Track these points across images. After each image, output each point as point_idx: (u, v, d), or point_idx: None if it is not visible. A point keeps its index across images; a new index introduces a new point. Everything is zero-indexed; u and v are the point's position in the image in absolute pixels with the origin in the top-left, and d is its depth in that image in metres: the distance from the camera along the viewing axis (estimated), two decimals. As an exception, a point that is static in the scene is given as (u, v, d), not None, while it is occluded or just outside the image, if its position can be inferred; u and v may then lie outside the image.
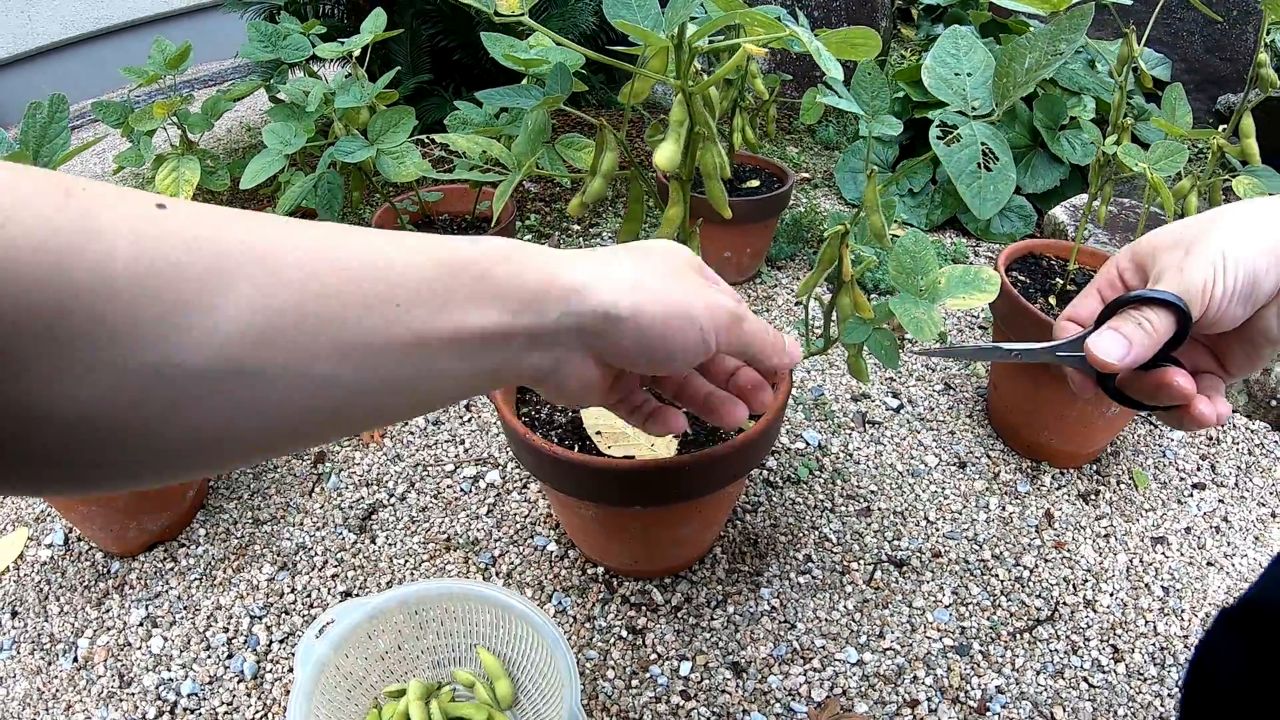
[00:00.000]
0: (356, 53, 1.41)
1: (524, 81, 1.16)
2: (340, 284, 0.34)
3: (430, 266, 0.37)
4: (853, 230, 0.89)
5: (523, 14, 0.78)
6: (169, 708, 1.00)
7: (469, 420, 1.41)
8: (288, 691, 1.01)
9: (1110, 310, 0.52)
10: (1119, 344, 0.49)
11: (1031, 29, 2.04)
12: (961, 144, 0.77)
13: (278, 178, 1.53)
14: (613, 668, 1.02)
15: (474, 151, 0.97)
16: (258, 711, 0.99)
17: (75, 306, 0.27)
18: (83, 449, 0.29)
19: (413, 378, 0.36)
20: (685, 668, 1.02)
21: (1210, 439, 1.44)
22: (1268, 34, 1.24)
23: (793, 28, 0.79)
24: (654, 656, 1.04)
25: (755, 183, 1.71)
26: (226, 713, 0.99)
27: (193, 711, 1.00)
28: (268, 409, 0.32)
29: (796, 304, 1.72)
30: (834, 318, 0.94)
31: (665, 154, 0.78)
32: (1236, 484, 1.36)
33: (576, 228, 1.97)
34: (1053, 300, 1.30)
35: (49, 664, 1.06)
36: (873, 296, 1.74)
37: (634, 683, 1.01)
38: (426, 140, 0.91)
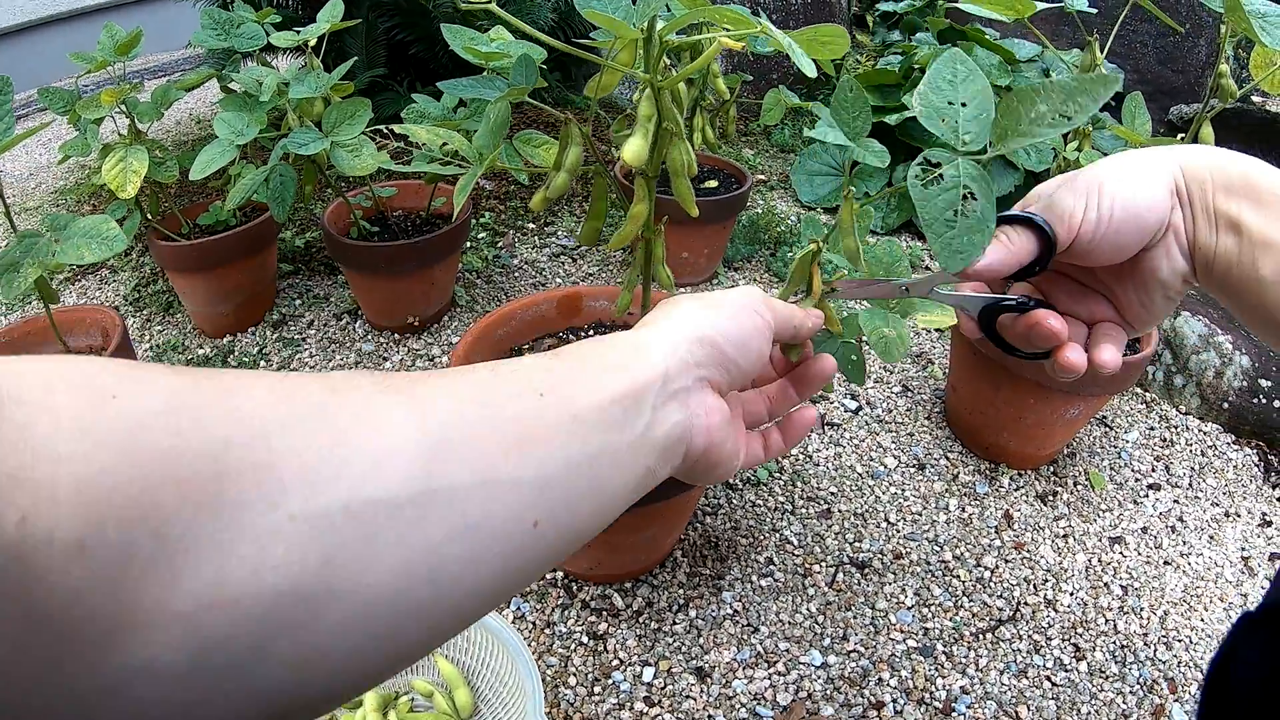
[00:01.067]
0: (312, 42, 1.38)
1: (484, 74, 1.13)
2: (487, 391, 0.34)
3: (546, 363, 0.39)
4: (824, 246, 0.88)
5: (490, 3, 0.76)
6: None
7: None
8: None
9: None
10: (979, 261, 0.51)
11: (989, 35, 2.06)
12: (942, 186, 0.70)
13: (228, 170, 1.49)
14: (574, 674, 1.00)
15: (434, 143, 0.94)
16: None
17: (231, 465, 0.24)
18: (274, 638, 0.25)
19: (583, 459, 0.36)
20: (648, 673, 1.00)
21: (1164, 441, 1.46)
22: (1226, 46, 1.26)
23: (764, 24, 0.78)
24: (616, 662, 1.02)
25: (714, 183, 1.70)
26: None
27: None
28: (467, 530, 0.30)
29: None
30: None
31: (633, 149, 0.77)
32: (1190, 484, 1.38)
33: (532, 226, 1.95)
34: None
35: None
36: (843, 306, 1.74)
37: (596, 689, 0.99)
38: (385, 131, 0.88)
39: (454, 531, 0.30)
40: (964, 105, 0.74)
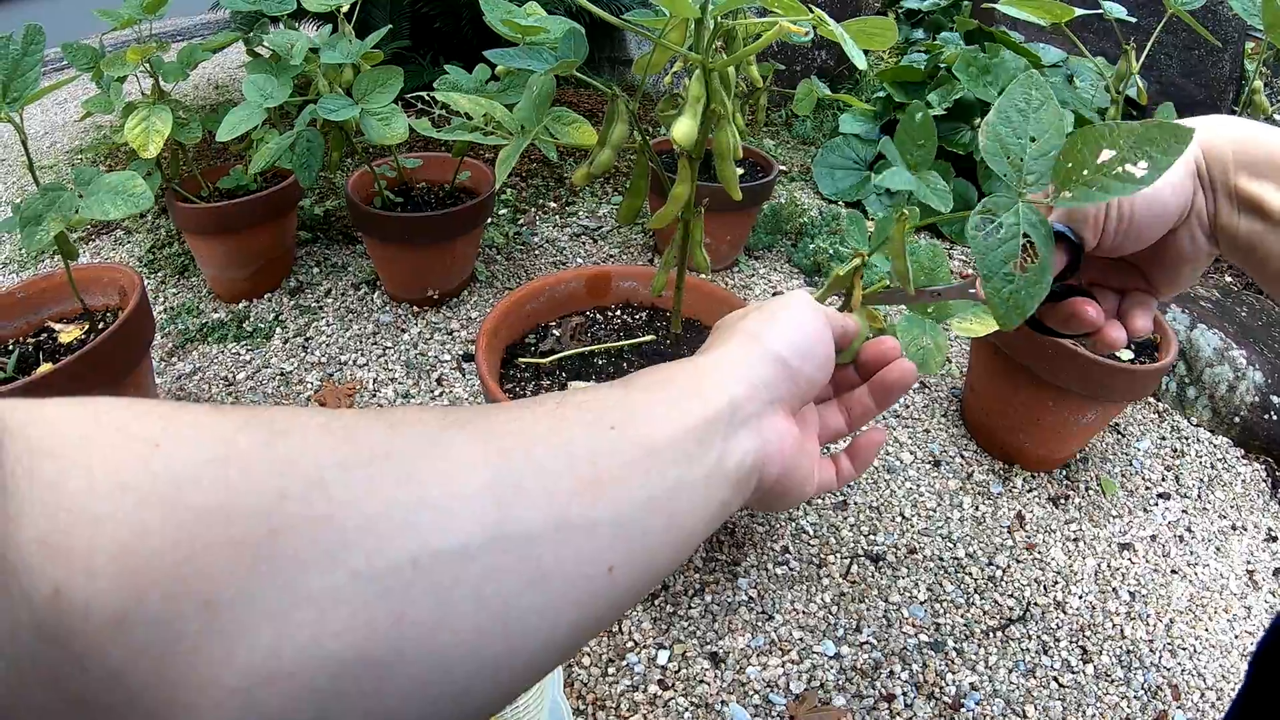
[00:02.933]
0: (345, 8, 1.37)
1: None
2: (555, 426, 0.32)
3: (615, 393, 0.37)
4: (871, 260, 0.87)
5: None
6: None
7: (440, 395, 1.37)
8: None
9: None
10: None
11: (1014, 38, 2.04)
12: (1001, 236, 0.63)
13: (249, 135, 1.48)
14: (589, 655, 1.00)
15: (476, 113, 0.94)
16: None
17: (285, 521, 0.22)
18: (339, 708, 0.23)
19: (659, 495, 0.34)
20: (663, 656, 1.00)
21: (1175, 451, 1.46)
22: (1258, 62, 1.26)
23: (817, 11, 0.77)
24: (631, 644, 1.02)
25: (740, 171, 1.70)
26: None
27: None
28: (542, 580, 0.28)
29: (774, 294, 1.72)
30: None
31: (683, 129, 0.76)
32: (1199, 495, 1.38)
33: (554, 205, 1.94)
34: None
35: None
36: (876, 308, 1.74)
37: (610, 670, 0.99)
38: (425, 98, 0.87)
39: (529, 581, 0.27)
40: (1033, 140, 0.63)
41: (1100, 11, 1.31)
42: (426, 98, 0.95)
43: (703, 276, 1.19)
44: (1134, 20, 1.28)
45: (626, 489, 0.32)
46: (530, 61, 0.88)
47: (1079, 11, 1.13)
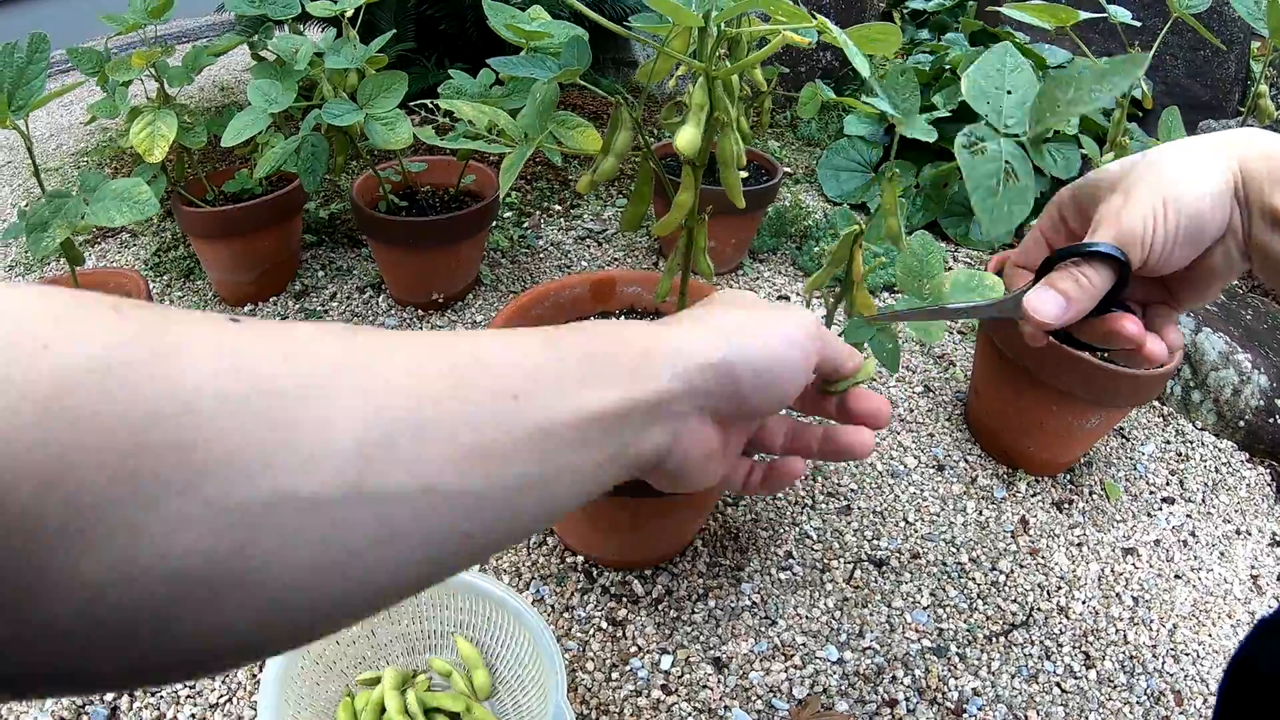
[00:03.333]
0: (349, 13, 1.37)
1: (522, 54, 1.13)
2: (454, 385, 0.31)
3: (536, 354, 0.35)
4: (866, 231, 0.88)
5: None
6: (127, 690, 0.96)
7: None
8: (254, 676, 0.98)
9: (1049, 264, 0.52)
10: (1056, 302, 0.49)
11: (1019, 39, 2.05)
12: (986, 156, 0.75)
13: (254, 139, 1.48)
14: (592, 659, 1.01)
15: (480, 120, 0.94)
16: (222, 696, 0.96)
17: (153, 440, 0.23)
18: (177, 615, 0.24)
19: (539, 478, 0.33)
20: (666, 661, 1.01)
21: (1180, 455, 1.46)
22: (1258, 65, 1.25)
23: (820, 18, 0.78)
24: (634, 649, 1.02)
25: (745, 174, 1.70)
26: (189, 696, 0.96)
27: (153, 693, 0.96)
28: (393, 537, 0.28)
29: (779, 297, 1.72)
30: (836, 318, 0.94)
31: (686, 138, 0.76)
32: (1204, 500, 1.38)
33: (558, 208, 1.95)
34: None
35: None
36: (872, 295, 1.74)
37: (614, 675, 0.99)
38: (428, 106, 0.87)
39: (378, 538, 0.28)
40: (1009, 92, 0.78)
41: (1105, 15, 1.31)
42: (430, 105, 0.96)
43: (706, 281, 1.20)
44: (1139, 24, 1.28)
45: (506, 466, 0.32)
46: (533, 69, 0.88)
47: (1083, 15, 1.12)
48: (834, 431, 0.50)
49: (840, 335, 0.92)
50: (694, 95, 0.80)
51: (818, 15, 0.90)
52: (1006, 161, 0.76)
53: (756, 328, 0.42)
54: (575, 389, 0.35)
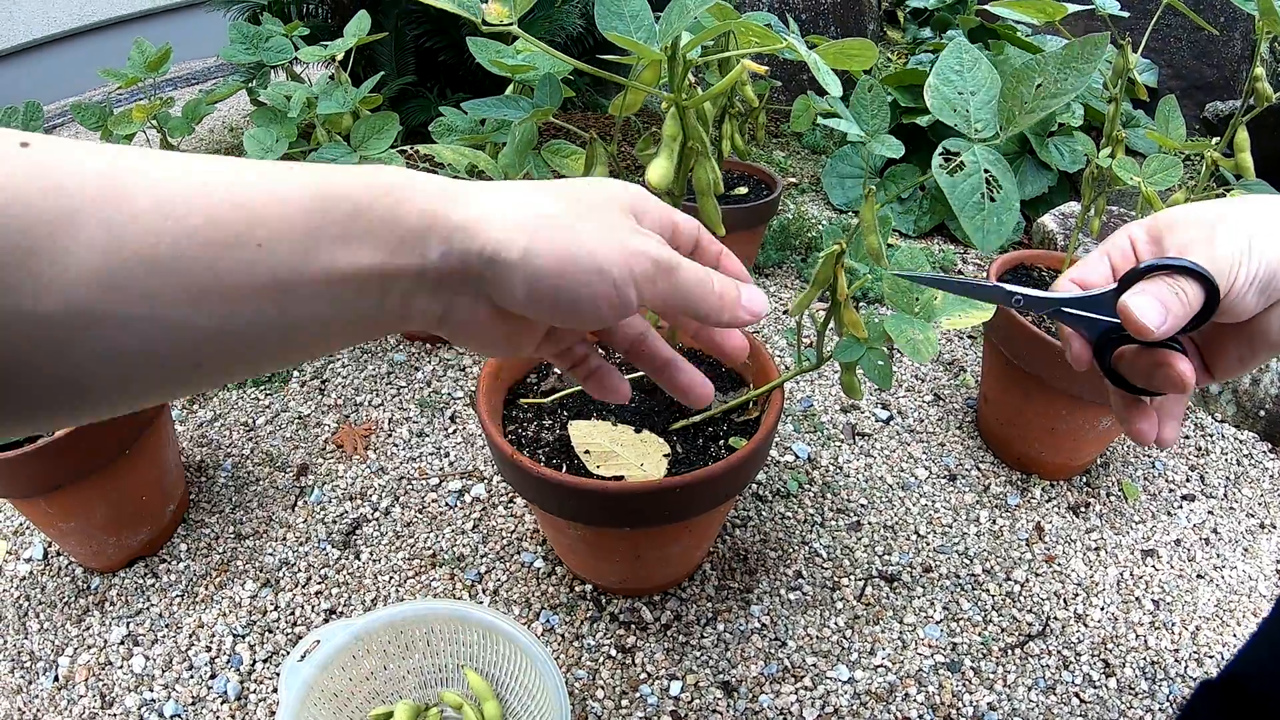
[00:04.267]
0: (340, 56, 1.39)
1: (509, 89, 1.14)
2: (199, 223, 0.31)
3: (299, 201, 0.33)
4: (848, 249, 0.87)
5: (511, 24, 0.76)
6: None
7: (454, 433, 1.39)
8: (272, 713, 0.99)
9: (1134, 276, 0.48)
10: (1156, 310, 0.44)
11: (1043, 52, 2.03)
12: (965, 172, 0.73)
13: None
14: (602, 687, 1.01)
15: (459, 164, 0.95)
16: (239, 734, 0.97)
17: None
18: None
19: (278, 323, 0.34)
20: (675, 687, 1.01)
21: (1199, 450, 1.44)
22: (1262, 44, 1.23)
23: (788, 38, 0.78)
24: (644, 676, 1.02)
25: (744, 189, 1.70)
26: (207, 736, 0.98)
27: (173, 734, 0.98)
28: (123, 355, 0.31)
29: (784, 313, 1.71)
30: (827, 335, 0.93)
31: (658, 171, 0.77)
32: (1225, 495, 1.36)
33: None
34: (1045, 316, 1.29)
35: (29, 683, 1.04)
36: (862, 306, 1.73)
37: (624, 703, 0.99)
38: (410, 150, 0.89)
39: (106, 356, 0.31)
40: (973, 94, 0.77)
41: (1093, 7, 1.29)
42: (413, 150, 0.97)
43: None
44: (1126, 14, 1.27)
45: (239, 308, 0.33)
46: (504, 111, 0.89)
47: (1071, 8, 1.12)
48: (676, 369, 0.47)
49: (831, 355, 0.92)
50: (666, 126, 0.80)
51: (786, 26, 0.90)
52: (986, 171, 0.75)
53: (562, 235, 0.37)
54: (327, 246, 0.34)
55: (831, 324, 0.92)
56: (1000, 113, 0.71)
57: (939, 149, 0.76)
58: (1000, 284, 0.51)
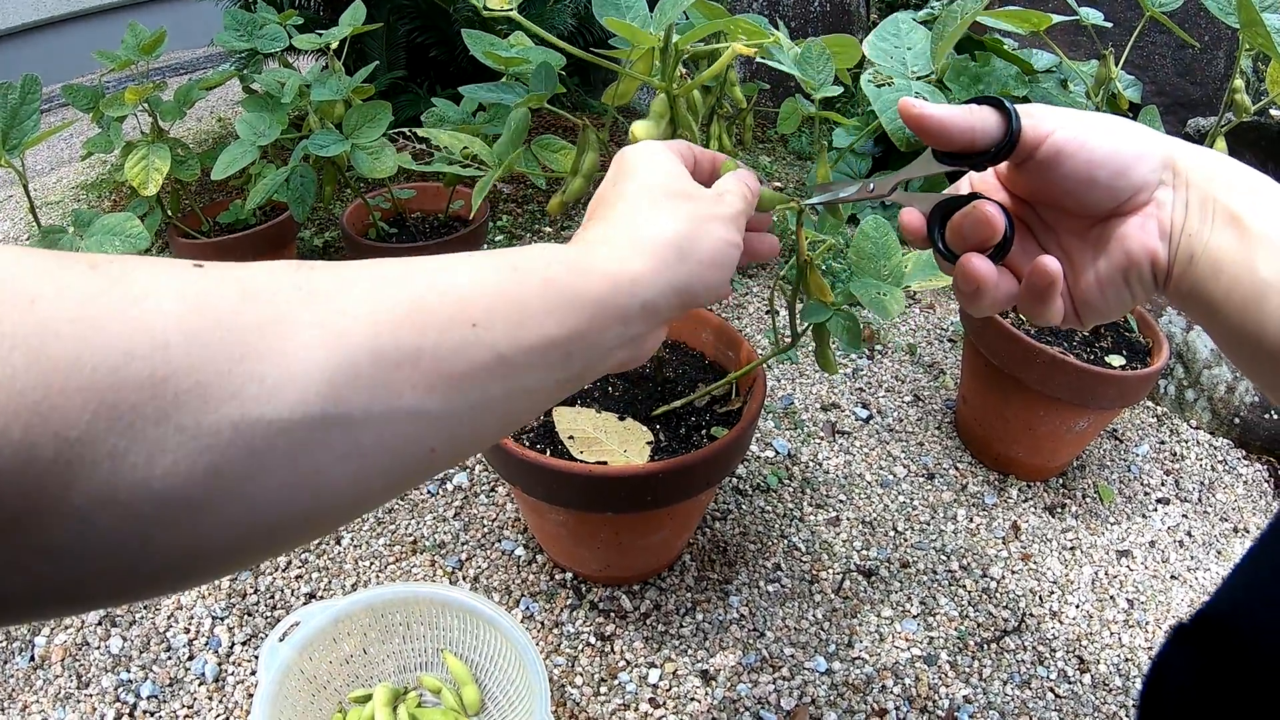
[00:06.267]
0: (334, 45, 1.39)
1: (503, 80, 1.15)
2: (410, 311, 0.32)
3: (496, 280, 0.36)
4: (812, 219, 0.91)
5: (511, 9, 0.77)
6: (128, 710, 0.97)
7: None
8: (250, 695, 0.99)
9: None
10: (929, 104, 0.45)
11: (1006, 45, 2.06)
12: (894, 88, 0.85)
13: (248, 170, 1.51)
14: (581, 674, 1.01)
15: (455, 147, 0.95)
16: (219, 715, 0.97)
17: (128, 377, 0.25)
18: (160, 533, 0.27)
19: (501, 397, 0.35)
20: (654, 675, 1.01)
21: (1174, 455, 1.46)
22: (1243, 59, 1.26)
23: (775, 33, 0.79)
24: (622, 663, 1.03)
25: (731, 189, 1.71)
26: (187, 715, 0.97)
27: (152, 714, 0.97)
28: (359, 455, 0.31)
29: (767, 313, 1.72)
30: (798, 310, 0.94)
31: (642, 127, 0.78)
32: (1200, 499, 1.38)
33: (549, 229, 1.96)
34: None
35: (5, 662, 1.03)
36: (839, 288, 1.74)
37: (602, 690, 1.00)
38: (407, 133, 0.90)
39: (344, 456, 0.30)
40: (909, 49, 0.89)
41: (1078, 18, 1.32)
42: (409, 133, 0.97)
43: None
44: (1109, 25, 1.29)
45: (466, 389, 0.34)
46: (501, 95, 0.90)
47: (1056, 19, 1.14)
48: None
49: (799, 319, 0.93)
50: (654, 103, 0.81)
51: (779, 29, 0.91)
52: (917, 93, 0.87)
53: (698, 241, 0.45)
54: (538, 317, 0.36)
55: (801, 296, 0.93)
56: (933, 56, 0.83)
57: (868, 72, 0.87)
58: (856, 182, 0.56)
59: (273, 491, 0.29)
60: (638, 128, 0.77)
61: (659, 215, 0.44)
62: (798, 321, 0.92)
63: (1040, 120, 0.44)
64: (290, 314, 0.30)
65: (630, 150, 0.50)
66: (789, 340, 0.97)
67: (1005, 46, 2.21)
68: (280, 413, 0.28)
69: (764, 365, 1.01)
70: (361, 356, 0.31)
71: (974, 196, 0.49)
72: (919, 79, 0.84)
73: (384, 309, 0.32)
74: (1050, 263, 0.45)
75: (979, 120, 0.45)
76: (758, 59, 0.80)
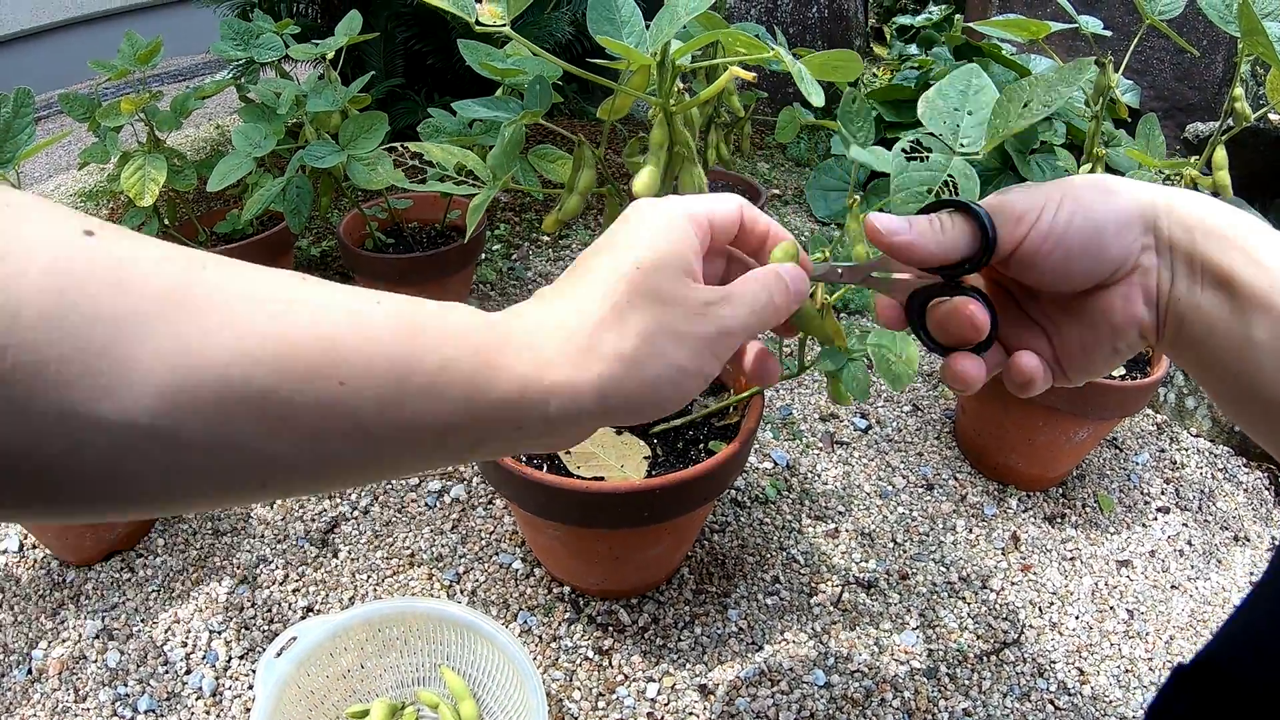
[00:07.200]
0: (330, 55, 1.39)
1: (499, 91, 1.14)
2: (279, 349, 0.30)
3: (387, 343, 0.33)
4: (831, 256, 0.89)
5: (505, 25, 0.77)
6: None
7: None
8: (247, 709, 0.99)
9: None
10: (898, 222, 0.43)
11: (1005, 51, 2.05)
12: (925, 165, 0.73)
13: (245, 180, 1.50)
14: (579, 688, 1.01)
15: (448, 162, 0.95)
16: (213, 730, 0.97)
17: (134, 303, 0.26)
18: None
19: (357, 463, 0.33)
20: (652, 689, 1.01)
21: (1175, 463, 1.46)
22: (1243, 65, 1.25)
23: (775, 48, 0.79)
24: (620, 678, 1.02)
25: (729, 197, 1.71)
26: (181, 732, 0.97)
27: (146, 730, 0.97)
28: (181, 472, 0.30)
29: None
30: (807, 344, 0.94)
31: (643, 182, 0.77)
32: (1200, 508, 1.37)
33: (546, 239, 1.96)
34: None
35: (2, 675, 1.03)
36: (843, 316, 1.74)
37: (600, 704, 1.00)
38: (399, 148, 0.89)
39: (166, 470, 0.30)
40: (970, 114, 0.78)
41: (1076, 26, 1.31)
42: (402, 147, 0.97)
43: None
44: (1109, 34, 1.29)
45: (317, 443, 0.32)
46: (495, 111, 0.89)
47: (1054, 27, 1.13)
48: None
49: (812, 365, 0.93)
50: (653, 134, 0.81)
51: (775, 39, 0.91)
52: (950, 176, 0.75)
53: (645, 362, 0.38)
54: (416, 398, 0.33)
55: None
56: (989, 129, 0.72)
57: (905, 139, 0.76)
58: (828, 262, 0.52)
59: (90, 479, 0.29)
60: (639, 184, 0.76)
61: (615, 317, 0.38)
62: (810, 363, 0.92)
63: (1014, 223, 0.42)
64: (153, 318, 0.29)
65: (641, 210, 0.42)
66: (797, 367, 0.97)
67: (1003, 52, 2.21)
68: (108, 414, 0.28)
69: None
70: (208, 383, 0.29)
71: (953, 285, 0.47)
72: (963, 154, 0.73)
73: (252, 339, 0.30)
74: (1028, 363, 0.45)
75: (950, 240, 0.43)
76: (764, 65, 0.79)
